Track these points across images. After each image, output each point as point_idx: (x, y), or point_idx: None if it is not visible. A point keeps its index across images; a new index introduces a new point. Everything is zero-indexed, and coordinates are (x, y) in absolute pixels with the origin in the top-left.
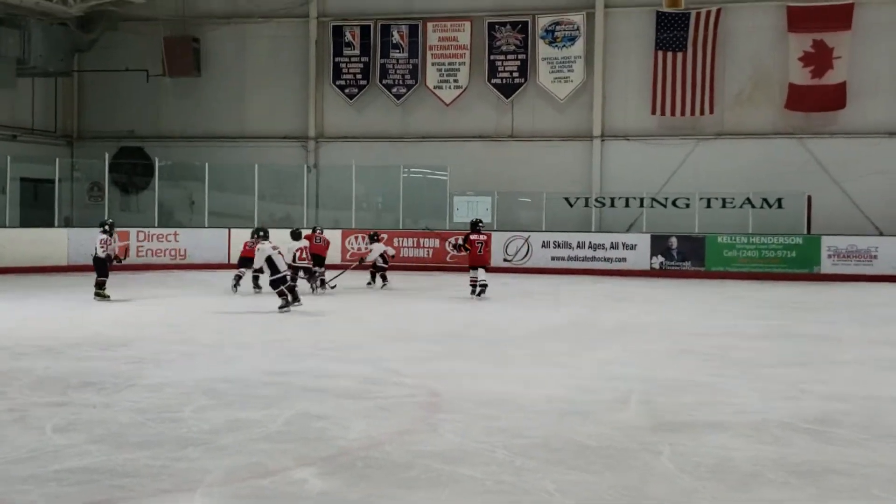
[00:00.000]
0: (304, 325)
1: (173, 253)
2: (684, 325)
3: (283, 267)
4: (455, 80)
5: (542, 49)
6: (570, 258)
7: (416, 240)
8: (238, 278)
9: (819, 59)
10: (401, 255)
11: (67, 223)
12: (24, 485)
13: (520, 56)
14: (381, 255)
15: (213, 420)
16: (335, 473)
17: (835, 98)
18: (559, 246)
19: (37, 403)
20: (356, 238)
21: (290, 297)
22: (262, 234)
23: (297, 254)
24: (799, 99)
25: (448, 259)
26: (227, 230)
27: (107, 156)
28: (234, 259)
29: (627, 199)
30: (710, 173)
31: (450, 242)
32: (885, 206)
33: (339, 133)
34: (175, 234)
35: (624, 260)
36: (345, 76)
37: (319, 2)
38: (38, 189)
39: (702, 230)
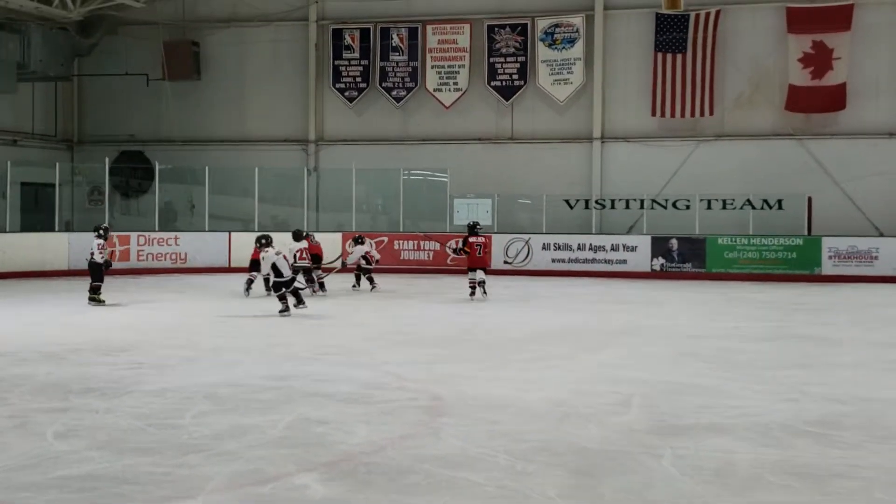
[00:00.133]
0: (305, 329)
1: (174, 257)
2: (685, 327)
3: (286, 272)
4: (455, 83)
5: (542, 51)
6: (570, 260)
7: (416, 243)
8: (250, 282)
9: (819, 60)
10: (401, 258)
11: (68, 227)
12: (25, 492)
13: (519, 58)
14: (365, 257)
15: (215, 425)
16: (337, 479)
17: (835, 99)
18: (560, 248)
19: (38, 409)
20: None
21: (294, 301)
22: (265, 241)
23: (298, 254)
24: (799, 100)
25: (449, 262)
26: (227, 234)
27: (107, 160)
28: (235, 263)
29: (628, 201)
30: (711, 175)
31: (449, 246)
32: (885, 206)
33: (339, 136)
34: (176, 238)
35: (625, 262)
36: (344, 79)
37: (319, 5)
38: (38, 193)
39: (702, 232)
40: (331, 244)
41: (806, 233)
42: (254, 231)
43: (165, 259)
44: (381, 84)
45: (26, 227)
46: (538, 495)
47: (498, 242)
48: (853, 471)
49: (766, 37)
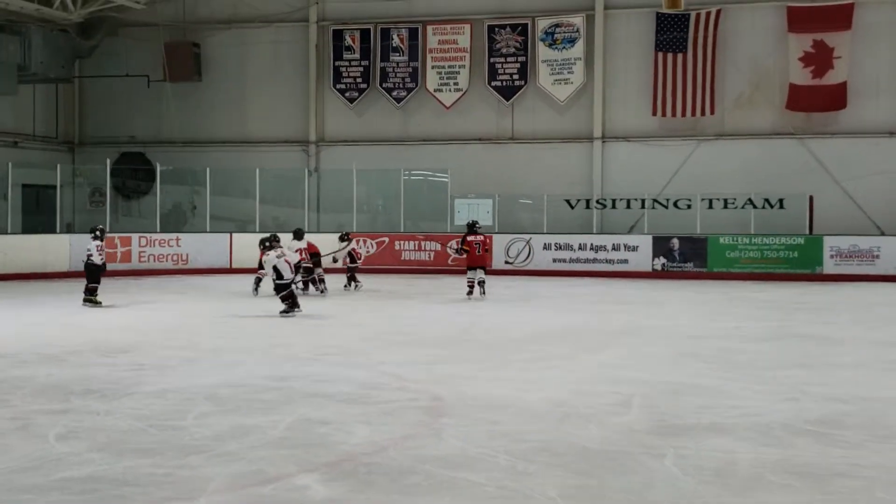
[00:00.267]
0: (306, 330)
1: (175, 258)
2: (686, 327)
3: (287, 274)
4: (455, 83)
5: (542, 51)
6: (571, 260)
7: (417, 243)
8: (258, 281)
9: (819, 59)
10: (402, 258)
11: (69, 229)
12: (27, 494)
13: (520, 58)
14: (351, 254)
15: (216, 426)
16: (338, 479)
17: (835, 98)
18: (561, 248)
19: (39, 411)
20: (356, 242)
21: (290, 304)
22: (266, 244)
23: (298, 253)
24: (799, 99)
25: (449, 262)
26: (228, 235)
27: (108, 161)
28: (236, 264)
29: (629, 201)
30: (712, 174)
31: (450, 246)
32: (886, 205)
33: (339, 137)
34: (177, 239)
35: (626, 261)
36: (345, 80)
37: (319, 6)
38: (39, 195)
39: (703, 231)
40: (331, 245)
41: (807, 232)
42: (254, 232)
43: (167, 260)
44: (381, 84)
45: (27, 228)
46: (539, 496)
47: (499, 242)
48: (854, 470)
49: (766, 36)
